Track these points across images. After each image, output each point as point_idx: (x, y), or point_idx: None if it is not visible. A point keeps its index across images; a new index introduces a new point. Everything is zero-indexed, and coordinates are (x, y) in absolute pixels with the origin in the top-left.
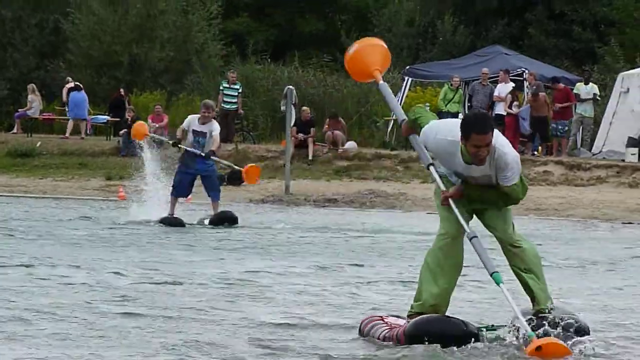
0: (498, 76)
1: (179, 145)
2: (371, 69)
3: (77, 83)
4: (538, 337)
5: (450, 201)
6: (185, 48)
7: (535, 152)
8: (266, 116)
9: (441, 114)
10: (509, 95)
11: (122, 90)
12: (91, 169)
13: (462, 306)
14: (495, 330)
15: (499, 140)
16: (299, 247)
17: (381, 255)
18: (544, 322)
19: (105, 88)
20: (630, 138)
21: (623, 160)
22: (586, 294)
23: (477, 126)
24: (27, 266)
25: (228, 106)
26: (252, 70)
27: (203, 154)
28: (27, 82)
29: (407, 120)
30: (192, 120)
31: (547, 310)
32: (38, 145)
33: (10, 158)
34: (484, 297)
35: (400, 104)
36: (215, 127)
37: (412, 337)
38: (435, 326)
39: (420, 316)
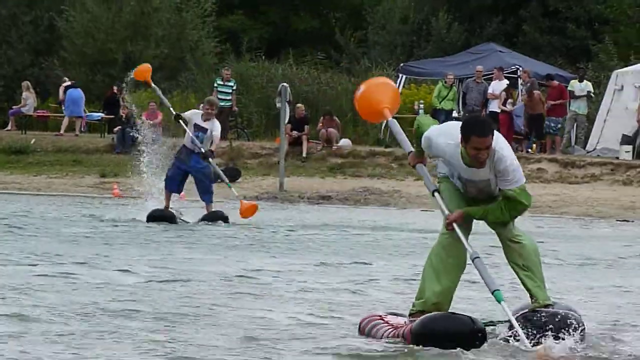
0: (492, 73)
1: (180, 120)
2: (380, 107)
3: (74, 81)
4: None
5: (455, 225)
6: (180, 45)
7: (530, 150)
8: (260, 113)
9: (435, 111)
10: (503, 93)
11: (115, 87)
12: (85, 166)
13: (462, 303)
14: (494, 325)
15: (499, 143)
16: (299, 244)
17: (383, 252)
18: (541, 318)
19: (100, 86)
20: (624, 135)
21: (617, 158)
22: (591, 291)
23: (477, 129)
24: (28, 264)
25: (222, 103)
26: (247, 68)
27: (203, 150)
28: (21, 79)
29: (413, 151)
30: (195, 114)
31: (545, 307)
32: (32, 142)
33: (5, 155)
34: (484, 295)
35: None
36: (217, 127)
37: (419, 335)
38: (442, 324)
39: (427, 314)
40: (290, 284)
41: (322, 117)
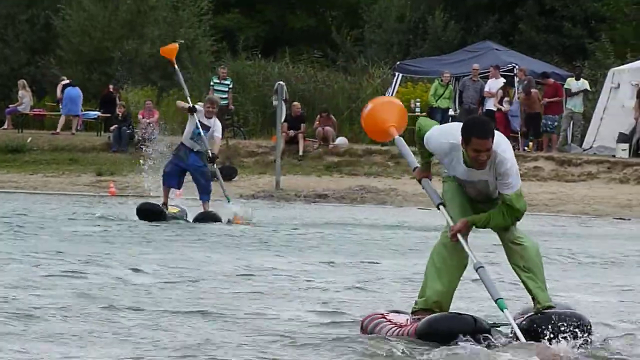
0: (489, 72)
1: (195, 112)
2: (385, 125)
3: (71, 80)
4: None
5: (459, 236)
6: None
7: (526, 148)
8: (257, 112)
9: (431, 110)
10: (500, 91)
11: (111, 86)
12: (82, 164)
13: (467, 303)
14: (499, 327)
15: (501, 145)
16: (303, 243)
17: (387, 250)
18: (544, 321)
19: (96, 84)
20: (620, 134)
21: (614, 156)
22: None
23: (477, 131)
24: (32, 264)
25: None
26: (243, 66)
27: (202, 149)
28: (17, 77)
29: (419, 166)
30: (199, 112)
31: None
32: (29, 141)
33: (1, 154)
34: (487, 295)
35: None
36: (218, 127)
37: (424, 335)
38: (447, 324)
39: (432, 314)
40: (296, 282)
41: (318, 116)
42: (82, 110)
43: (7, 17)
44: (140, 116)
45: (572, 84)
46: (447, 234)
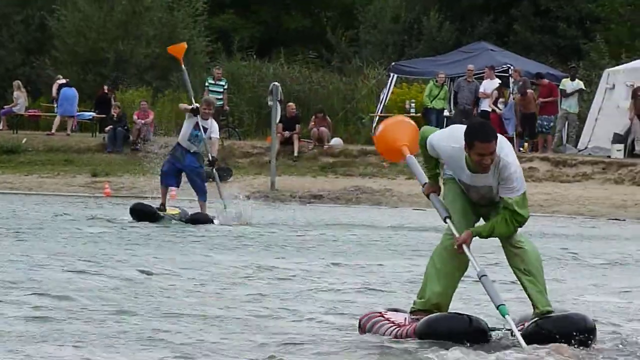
0: (484, 72)
1: (198, 114)
2: (397, 144)
3: (68, 80)
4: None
5: (464, 247)
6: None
7: (521, 149)
8: (252, 112)
9: (426, 111)
10: (495, 92)
11: (106, 87)
12: (77, 165)
13: (466, 304)
14: (500, 330)
15: (505, 149)
16: (303, 244)
17: (388, 251)
18: (544, 327)
19: (91, 85)
20: (615, 134)
21: (609, 157)
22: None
23: (480, 135)
24: (36, 264)
25: None
26: (238, 67)
27: (211, 157)
28: (12, 78)
29: (428, 182)
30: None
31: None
32: (24, 141)
33: None
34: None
35: (386, 101)
36: (215, 129)
37: (423, 335)
38: (446, 324)
39: (431, 315)
40: (296, 282)
41: (313, 116)
42: (77, 111)
43: (2, 17)
44: (135, 117)
45: (567, 84)
46: (451, 239)
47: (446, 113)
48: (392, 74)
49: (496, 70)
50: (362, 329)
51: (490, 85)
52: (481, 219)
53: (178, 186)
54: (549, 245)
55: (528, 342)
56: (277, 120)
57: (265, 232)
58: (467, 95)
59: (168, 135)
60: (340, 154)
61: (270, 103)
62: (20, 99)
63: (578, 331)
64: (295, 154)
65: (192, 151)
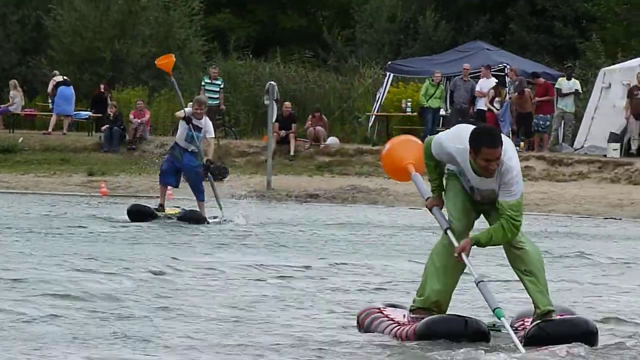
0: (480, 72)
1: (190, 122)
2: (403, 163)
3: (66, 78)
4: None
5: (463, 255)
6: (167, 44)
7: (517, 148)
8: (248, 112)
9: (423, 110)
10: (492, 91)
11: (102, 86)
12: (73, 164)
13: (466, 305)
14: (498, 330)
15: (508, 152)
16: (308, 244)
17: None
18: (544, 327)
19: (87, 84)
20: (612, 133)
21: (605, 156)
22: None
23: (487, 141)
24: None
25: (210, 102)
26: (234, 66)
27: (206, 160)
28: (8, 78)
29: (431, 196)
30: (189, 113)
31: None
32: (20, 141)
33: None
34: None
35: (382, 100)
36: (210, 128)
37: (423, 337)
38: (446, 326)
39: (432, 316)
40: (297, 283)
41: (310, 116)
42: (74, 110)
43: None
44: (131, 116)
45: (563, 83)
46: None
47: (442, 112)
48: (388, 73)
49: (492, 70)
50: (361, 325)
51: (486, 84)
52: (481, 215)
53: (177, 185)
54: (548, 245)
55: (530, 344)
56: (274, 120)
57: (263, 232)
58: (463, 95)
59: (164, 134)
60: (336, 153)
61: (266, 102)
62: (16, 99)
63: (580, 334)
64: (292, 153)
65: (190, 150)
